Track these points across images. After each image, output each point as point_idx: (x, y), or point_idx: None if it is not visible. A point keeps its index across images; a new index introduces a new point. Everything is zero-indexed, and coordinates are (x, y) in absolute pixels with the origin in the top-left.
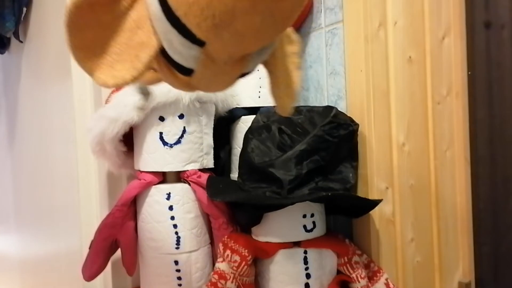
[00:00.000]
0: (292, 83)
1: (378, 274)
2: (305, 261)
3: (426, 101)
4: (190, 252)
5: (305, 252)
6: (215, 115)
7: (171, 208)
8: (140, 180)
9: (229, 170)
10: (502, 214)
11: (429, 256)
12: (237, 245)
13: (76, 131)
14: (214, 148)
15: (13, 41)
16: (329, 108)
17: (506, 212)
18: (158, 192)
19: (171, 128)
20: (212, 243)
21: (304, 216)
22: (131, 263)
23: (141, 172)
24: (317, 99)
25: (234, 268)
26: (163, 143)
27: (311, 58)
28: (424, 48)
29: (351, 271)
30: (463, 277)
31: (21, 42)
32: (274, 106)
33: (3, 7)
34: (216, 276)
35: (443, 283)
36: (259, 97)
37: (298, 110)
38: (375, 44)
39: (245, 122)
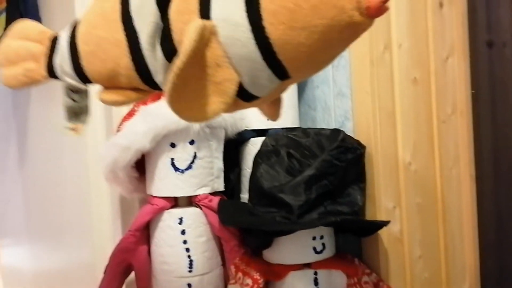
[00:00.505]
0: None
1: None
2: (316, 282)
3: (431, 120)
4: (203, 274)
5: (315, 273)
6: (224, 138)
7: (183, 232)
8: (152, 205)
9: (239, 191)
10: (508, 230)
11: (437, 272)
12: (249, 268)
13: (88, 155)
14: (224, 171)
15: None
16: (336, 132)
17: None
18: (170, 217)
19: (182, 154)
20: (223, 264)
21: (314, 238)
22: (145, 287)
23: (153, 197)
24: (324, 119)
25: None
26: (174, 169)
27: (318, 79)
28: (428, 69)
29: None
30: None
31: None
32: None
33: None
34: None
35: None
36: (267, 119)
37: (305, 132)
38: (381, 66)
39: (254, 144)
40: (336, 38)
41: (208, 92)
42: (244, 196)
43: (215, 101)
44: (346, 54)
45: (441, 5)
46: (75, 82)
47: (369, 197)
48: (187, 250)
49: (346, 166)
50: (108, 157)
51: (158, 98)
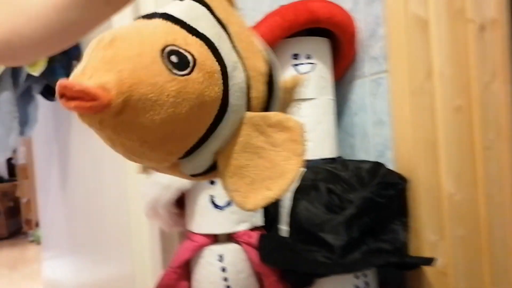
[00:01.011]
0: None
1: None
2: None
3: (474, 148)
4: None
5: None
6: None
7: (223, 269)
8: (192, 241)
9: (277, 222)
10: None
11: None
12: None
13: (128, 189)
14: None
15: None
16: (377, 166)
17: None
18: (210, 254)
19: (222, 190)
20: None
21: (357, 277)
22: None
23: (193, 233)
24: (363, 147)
25: None
26: (214, 206)
27: (356, 106)
28: (470, 95)
29: None
30: None
31: None
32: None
33: (54, 61)
34: None
35: None
36: None
37: (345, 165)
38: (422, 96)
39: None
40: None
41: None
42: (283, 227)
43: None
44: (384, 82)
45: (482, 29)
46: None
47: (412, 231)
48: (228, 287)
49: (388, 202)
50: (149, 195)
51: None
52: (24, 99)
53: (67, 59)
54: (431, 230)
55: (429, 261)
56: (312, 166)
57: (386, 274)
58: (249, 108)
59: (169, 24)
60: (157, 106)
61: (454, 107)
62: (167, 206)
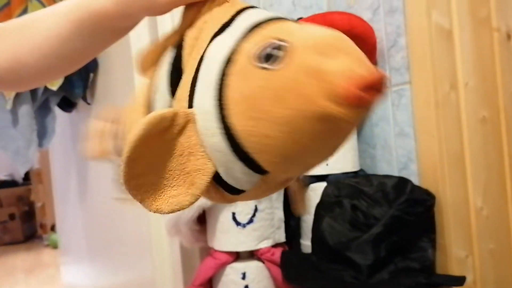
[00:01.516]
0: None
1: None
2: None
3: (502, 160)
4: None
5: None
6: None
7: (247, 287)
8: (215, 259)
9: (299, 237)
10: None
11: None
12: None
13: None
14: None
15: (81, 101)
16: (403, 182)
17: None
18: (233, 272)
19: (243, 208)
20: None
21: None
22: None
23: (215, 250)
24: (384, 158)
25: None
26: (236, 223)
27: (376, 116)
28: (497, 106)
29: None
30: None
31: (89, 104)
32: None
33: (71, 73)
34: None
35: None
36: (327, 164)
37: (368, 179)
38: (447, 107)
39: (314, 190)
40: (310, 131)
41: (175, 183)
42: (305, 243)
43: (182, 192)
44: (407, 93)
45: (509, 37)
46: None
47: (439, 247)
48: None
49: (416, 219)
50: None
51: None
52: (42, 112)
53: (84, 71)
54: (460, 246)
55: (460, 280)
56: (334, 181)
57: None
58: None
59: None
60: None
61: (480, 118)
62: (188, 223)
